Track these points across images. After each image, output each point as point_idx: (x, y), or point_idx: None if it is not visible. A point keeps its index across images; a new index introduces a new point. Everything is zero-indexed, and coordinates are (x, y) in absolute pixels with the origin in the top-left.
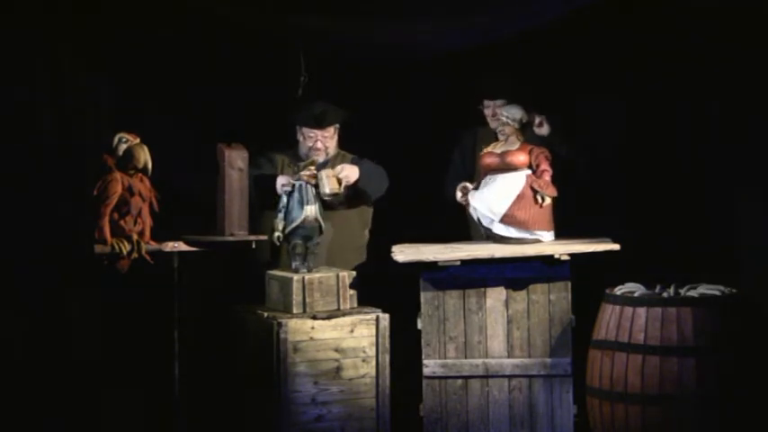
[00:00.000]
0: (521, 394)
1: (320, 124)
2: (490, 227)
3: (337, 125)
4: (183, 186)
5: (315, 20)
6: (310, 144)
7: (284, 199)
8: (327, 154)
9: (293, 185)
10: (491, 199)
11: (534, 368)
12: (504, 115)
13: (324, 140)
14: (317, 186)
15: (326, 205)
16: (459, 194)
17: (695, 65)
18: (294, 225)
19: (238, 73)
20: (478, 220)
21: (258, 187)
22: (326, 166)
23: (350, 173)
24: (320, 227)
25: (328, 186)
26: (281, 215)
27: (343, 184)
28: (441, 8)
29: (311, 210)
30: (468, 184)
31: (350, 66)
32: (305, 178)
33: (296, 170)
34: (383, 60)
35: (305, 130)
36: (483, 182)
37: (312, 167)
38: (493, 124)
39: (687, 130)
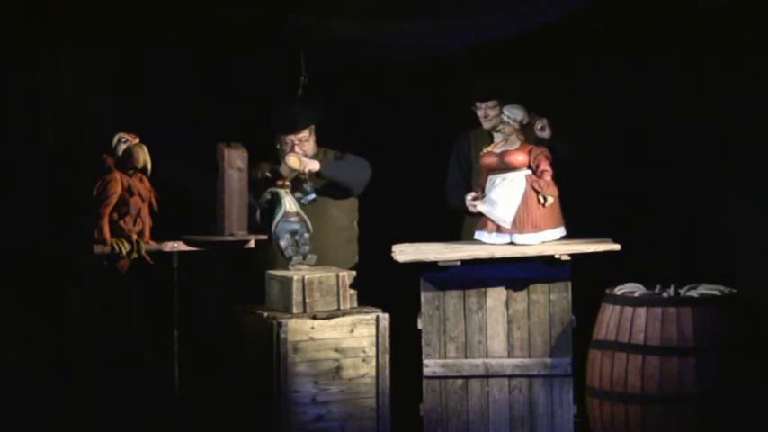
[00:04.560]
0: (521, 394)
1: (294, 129)
2: (506, 242)
3: (312, 126)
4: (182, 186)
5: (314, 20)
6: (288, 150)
7: (264, 207)
8: (306, 156)
9: (270, 194)
10: (497, 206)
11: (534, 368)
12: (506, 114)
13: (300, 144)
14: (294, 189)
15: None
16: (469, 200)
17: (695, 63)
18: (277, 220)
19: (238, 73)
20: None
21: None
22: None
23: (305, 157)
24: (306, 224)
25: (291, 161)
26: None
27: (303, 162)
28: (440, 8)
29: (290, 205)
30: (477, 193)
31: (349, 66)
32: (278, 184)
33: (268, 176)
34: (384, 60)
35: (281, 136)
36: (487, 185)
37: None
38: (486, 125)
39: (687, 129)
